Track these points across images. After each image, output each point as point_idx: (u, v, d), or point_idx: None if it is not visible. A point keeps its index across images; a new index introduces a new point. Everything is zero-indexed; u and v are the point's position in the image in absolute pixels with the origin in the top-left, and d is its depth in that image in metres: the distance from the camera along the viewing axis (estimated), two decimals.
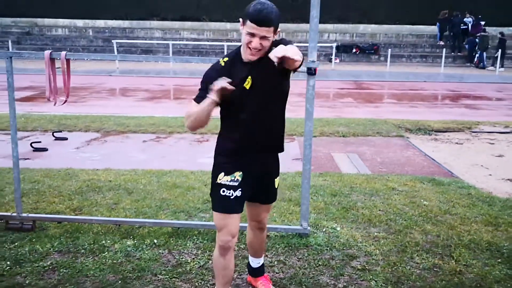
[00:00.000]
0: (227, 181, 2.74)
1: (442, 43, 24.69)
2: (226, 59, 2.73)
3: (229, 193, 2.72)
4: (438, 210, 4.79)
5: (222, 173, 2.75)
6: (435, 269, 3.62)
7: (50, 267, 3.55)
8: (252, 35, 2.53)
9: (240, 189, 2.74)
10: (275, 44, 2.60)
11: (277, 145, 2.88)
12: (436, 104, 13.51)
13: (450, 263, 3.70)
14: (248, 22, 2.51)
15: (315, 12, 3.77)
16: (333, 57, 22.28)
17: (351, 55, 24.53)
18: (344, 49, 24.58)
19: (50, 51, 3.96)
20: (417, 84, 17.37)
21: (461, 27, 23.99)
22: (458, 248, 3.94)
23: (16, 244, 3.90)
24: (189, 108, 2.68)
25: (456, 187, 5.58)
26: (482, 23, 23.66)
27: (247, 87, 2.65)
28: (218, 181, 2.76)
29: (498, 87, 17.11)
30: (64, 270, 3.51)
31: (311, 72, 3.78)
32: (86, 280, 3.39)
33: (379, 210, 4.77)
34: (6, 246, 3.87)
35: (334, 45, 22.62)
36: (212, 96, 2.57)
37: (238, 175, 2.74)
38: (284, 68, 2.57)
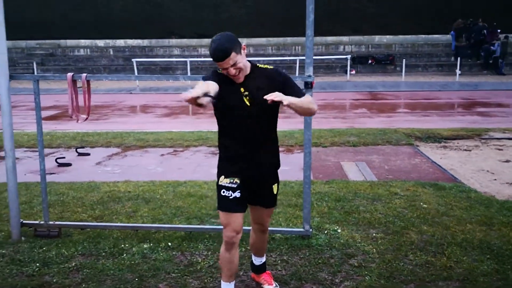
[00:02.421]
0: (226, 183, 3.09)
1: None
2: (221, 70, 3.05)
3: (228, 193, 3.08)
4: (436, 212, 5.05)
5: (223, 176, 3.12)
6: (427, 265, 3.89)
7: (75, 268, 3.94)
8: (223, 68, 2.88)
9: (238, 190, 3.08)
10: (273, 74, 3.02)
11: (273, 161, 3.23)
12: (448, 112, 13.67)
13: (441, 260, 3.96)
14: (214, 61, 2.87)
15: (310, 31, 4.13)
16: (348, 68, 22.56)
17: (366, 66, 24.75)
18: (359, 61, 24.82)
19: (72, 73, 4.39)
20: (431, 93, 17.52)
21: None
22: (450, 246, 4.20)
23: (44, 248, 4.31)
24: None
25: (457, 191, 5.81)
26: (498, 30, 23.73)
27: (248, 103, 2.99)
28: (220, 182, 3.13)
29: None
30: (87, 270, 3.89)
31: (308, 86, 4.15)
32: (106, 278, 3.77)
33: (380, 213, 5.05)
34: (35, 250, 4.27)
35: (349, 56, 22.90)
36: (193, 93, 2.55)
37: (236, 178, 3.09)
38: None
